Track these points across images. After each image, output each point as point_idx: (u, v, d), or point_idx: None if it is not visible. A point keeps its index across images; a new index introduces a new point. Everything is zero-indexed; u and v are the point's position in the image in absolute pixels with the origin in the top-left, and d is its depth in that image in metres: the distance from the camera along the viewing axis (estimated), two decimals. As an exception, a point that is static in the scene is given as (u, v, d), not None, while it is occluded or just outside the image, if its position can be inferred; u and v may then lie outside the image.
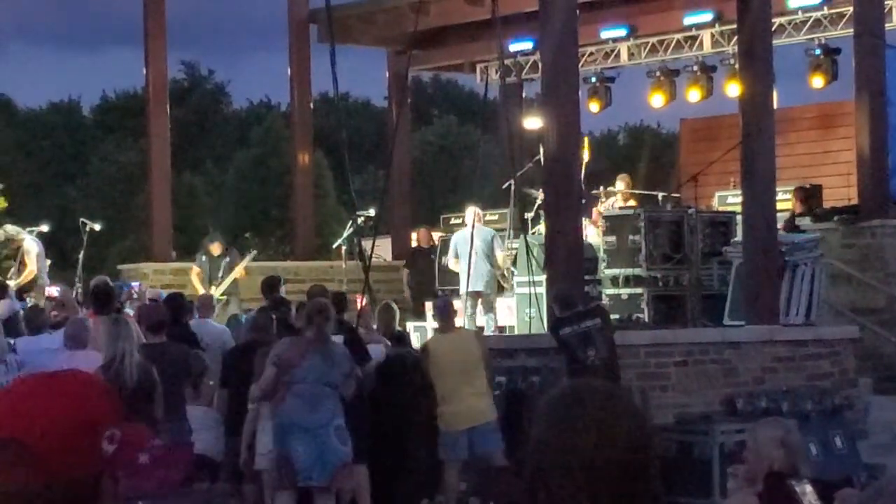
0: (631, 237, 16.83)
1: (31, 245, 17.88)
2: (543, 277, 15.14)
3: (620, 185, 20.29)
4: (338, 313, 12.56)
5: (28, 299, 16.74)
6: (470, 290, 17.93)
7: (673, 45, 22.45)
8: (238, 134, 50.61)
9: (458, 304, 15.98)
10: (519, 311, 17.59)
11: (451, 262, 18.80)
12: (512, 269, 18.42)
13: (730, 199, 20.10)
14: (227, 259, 19.36)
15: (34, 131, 50.83)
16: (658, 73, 22.65)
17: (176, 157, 24.81)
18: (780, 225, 16.34)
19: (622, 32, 22.63)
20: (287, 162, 28.84)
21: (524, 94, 25.42)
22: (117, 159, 45.80)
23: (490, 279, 18.31)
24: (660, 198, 19.66)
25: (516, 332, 17.21)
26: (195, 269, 19.55)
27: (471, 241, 17.95)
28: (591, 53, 22.99)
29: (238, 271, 19.20)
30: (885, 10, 19.01)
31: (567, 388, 2.51)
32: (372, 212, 20.47)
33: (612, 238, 17.08)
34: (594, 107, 23.09)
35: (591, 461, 2.37)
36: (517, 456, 11.75)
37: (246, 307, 17.59)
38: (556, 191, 14.35)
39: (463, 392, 12.13)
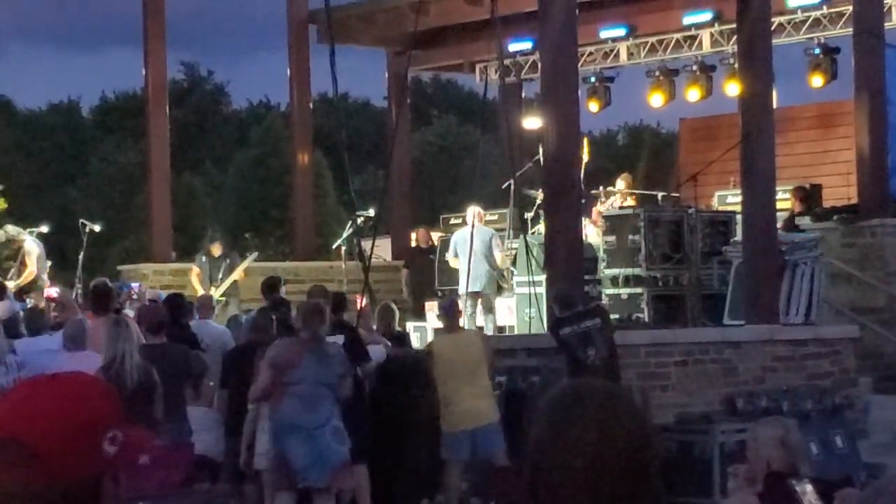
0: (631, 237, 16.84)
1: (31, 246, 17.89)
2: (543, 277, 15.14)
3: (621, 184, 20.30)
4: (338, 313, 12.57)
5: (28, 300, 16.75)
6: (469, 290, 17.93)
7: (672, 44, 22.45)
8: (238, 134, 50.63)
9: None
10: (519, 310, 17.60)
11: (451, 261, 18.83)
12: (512, 269, 18.43)
13: (729, 199, 20.11)
14: (228, 261, 19.37)
15: (34, 132, 50.85)
16: (657, 73, 22.65)
17: (175, 157, 24.82)
18: (779, 224, 16.34)
19: (621, 32, 22.64)
20: (287, 162, 28.85)
21: (524, 94, 25.43)
22: (117, 160, 45.80)
23: (489, 279, 18.31)
24: (659, 197, 19.66)
25: (516, 332, 17.22)
26: (194, 270, 19.56)
27: (470, 240, 17.95)
28: (591, 53, 23.00)
29: (238, 273, 19.22)
30: (885, 10, 19.01)
31: (567, 388, 2.51)
32: (371, 212, 20.48)
33: (612, 238, 17.09)
34: (593, 106, 23.09)
35: (591, 461, 2.37)
36: (517, 456, 11.76)
37: (246, 308, 17.59)
38: (556, 190, 14.35)
39: (466, 393, 12.12)
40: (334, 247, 21.26)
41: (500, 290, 18.69)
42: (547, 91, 14.60)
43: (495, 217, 20.77)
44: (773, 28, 17.05)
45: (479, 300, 18.22)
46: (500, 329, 17.98)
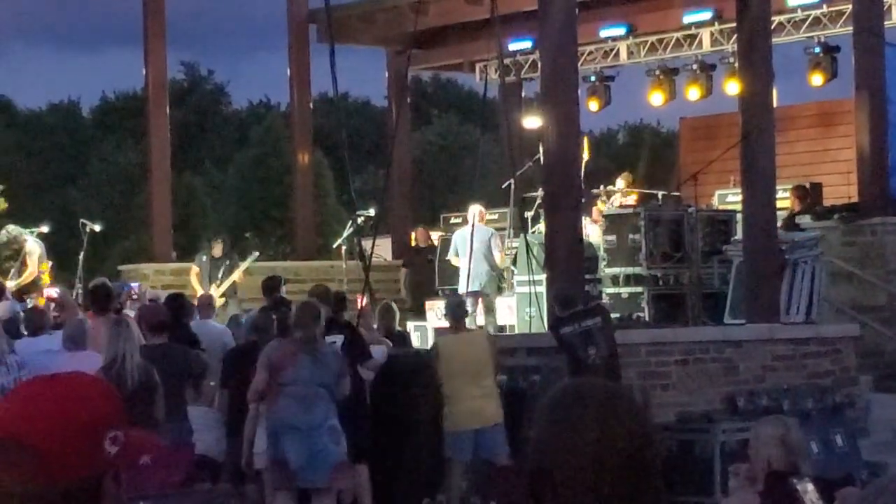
0: (631, 236, 16.85)
1: (33, 246, 17.88)
2: (543, 276, 15.14)
3: (621, 183, 20.32)
4: (338, 313, 12.57)
5: (28, 300, 16.74)
6: (469, 290, 17.93)
7: (672, 43, 22.45)
8: (238, 134, 50.62)
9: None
10: (519, 310, 17.60)
11: (452, 260, 18.84)
12: (512, 268, 18.42)
13: (730, 198, 20.11)
14: (228, 262, 19.37)
15: (34, 132, 50.84)
16: (657, 72, 22.65)
17: (176, 157, 24.81)
18: (779, 223, 16.34)
19: (621, 31, 22.63)
20: (287, 162, 28.85)
21: (524, 94, 25.43)
22: (117, 160, 45.81)
23: (489, 279, 18.30)
24: (660, 196, 19.66)
25: (517, 332, 17.21)
26: (194, 269, 19.57)
27: (470, 240, 17.94)
28: (591, 52, 22.99)
29: (237, 274, 19.22)
30: (885, 8, 19.01)
31: (568, 388, 2.51)
32: (372, 211, 20.48)
33: (613, 237, 17.09)
34: (594, 106, 23.09)
35: (592, 460, 2.37)
36: (518, 455, 11.76)
37: (246, 308, 17.58)
38: (556, 190, 14.35)
39: (471, 392, 12.10)
40: (335, 246, 21.26)
41: (499, 290, 18.69)
42: (547, 90, 14.60)
43: (496, 216, 20.77)
44: (773, 27, 17.04)
45: (480, 300, 18.21)
46: (501, 328, 17.98)
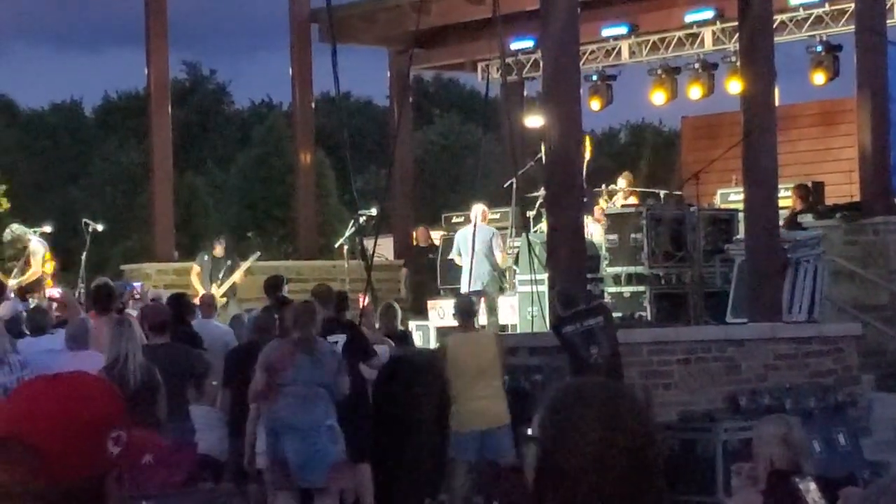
0: (633, 235, 16.85)
1: (37, 246, 17.87)
2: (545, 276, 15.14)
3: (622, 183, 20.32)
4: (340, 312, 12.56)
5: (31, 300, 16.74)
6: (471, 289, 17.91)
7: (674, 42, 22.45)
8: (240, 134, 50.60)
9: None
10: (521, 309, 17.59)
11: (455, 259, 18.84)
12: (514, 267, 18.42)
13: (732, 197, 20.12)
14: (230, 262, 19.38)
15: (36, 132, 50.83)
16: (659, 71, 22.65)
17: (178, 157, 24.81)
18: (781, 222, 16.34)
19: (623, 30, 22.63)
20: (289, 162, 28.83)
21: (525, 93, 25.45)
22: (119, 160, 45.80)
23: (491, 279, 18.30)
24: (662, 195, 19.66)
25: (519, 331, 17.21)
26: (195, 269, 19.57)
27: (472, 239, 17.94)
28: (593, 51, 23.00)
29: (238, 274, 19.22)
30: (887, 7, 19.00)
31: (570, 387, 2.51)
32: (374, 211, 20.47)
33: (614, 236, 17.09)
34: (595, 105, 23.09)
35: (595, 459, 2.37)
36: (519, 454, 11.75)
37: (247, 307, 17.58)
38: (558, 189, 14.35)
39: (478, 393, 12.07)
40: (337, 246, 21.28)
41: (501, 289, 18.68)
42: (549, 89, 14.60)
43: (497, 216, 20.77)
44: (774, 26, 17.04)
45: (482, 299, 18.20)
46: (503, 328, 17.98)
